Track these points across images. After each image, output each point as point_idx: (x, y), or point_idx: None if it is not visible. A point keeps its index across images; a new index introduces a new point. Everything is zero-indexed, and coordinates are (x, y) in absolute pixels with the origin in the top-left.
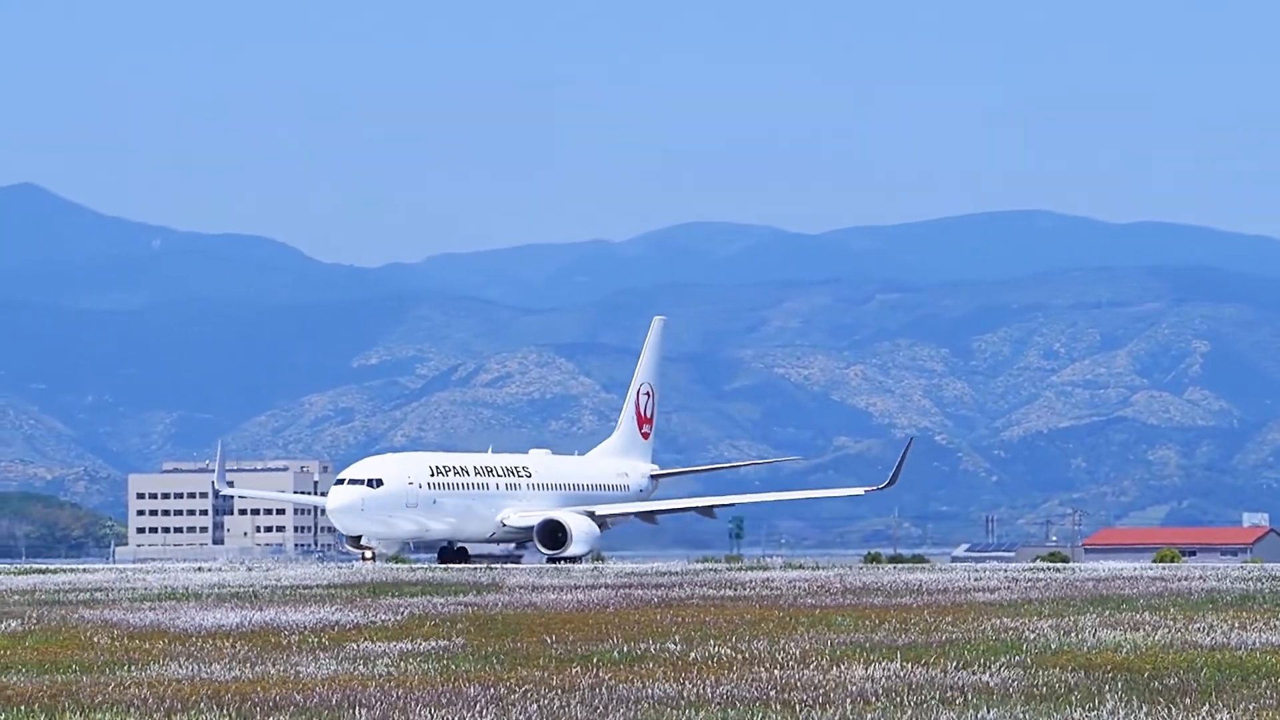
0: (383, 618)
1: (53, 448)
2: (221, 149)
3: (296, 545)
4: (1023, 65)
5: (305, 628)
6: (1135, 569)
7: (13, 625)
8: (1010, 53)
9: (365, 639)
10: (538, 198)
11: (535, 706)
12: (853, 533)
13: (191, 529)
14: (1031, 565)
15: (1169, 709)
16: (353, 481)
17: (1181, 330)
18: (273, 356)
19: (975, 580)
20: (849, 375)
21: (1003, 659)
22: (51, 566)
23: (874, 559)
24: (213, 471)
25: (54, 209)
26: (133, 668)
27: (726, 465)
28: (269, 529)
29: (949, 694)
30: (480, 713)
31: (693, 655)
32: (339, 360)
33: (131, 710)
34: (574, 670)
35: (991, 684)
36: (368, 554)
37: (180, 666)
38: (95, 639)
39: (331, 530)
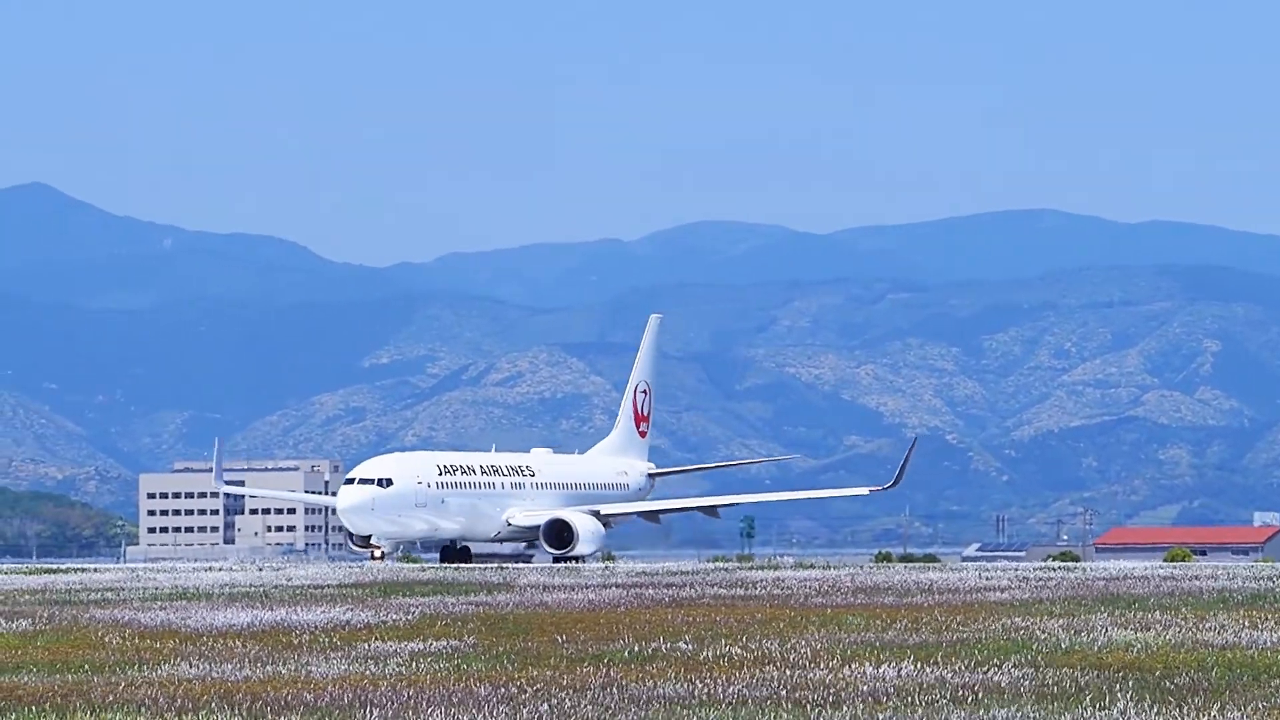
0: (394, 617)
1: (64, 447)
2: (232, 148)
3: (307, 545)
4: (1032, 64)
5: (316, 627)
6: (1146, 568)
7: (24, 625)
8: (1020, 51)
9: (376, 639)
10: (548, 197)
11: (546, 706)
12: (863, 532)
13: (202, 529)
14: (1042, 565)
15: (1180, 709)
16: (363, 481)
17: (1192, 329)
18: (283, 356)
19: (986, 580)
20: (859, 375)
21: (1014, 658)
22: (62, 566)
23: (885, 558)
24: (223, 470)
25: (64, 208)
26: (144, 667)
27: (723, 465)
28: (280, 528)
29: (960, 693)
30: (491, 712)
31: (704, 655)
32: (350, 360)
33: (142, 710)
34: (585, 670)
35: (1002, 683)
36: (377, 553)
37: (191, 666)
38: (106, 639)
39: (341, 530)
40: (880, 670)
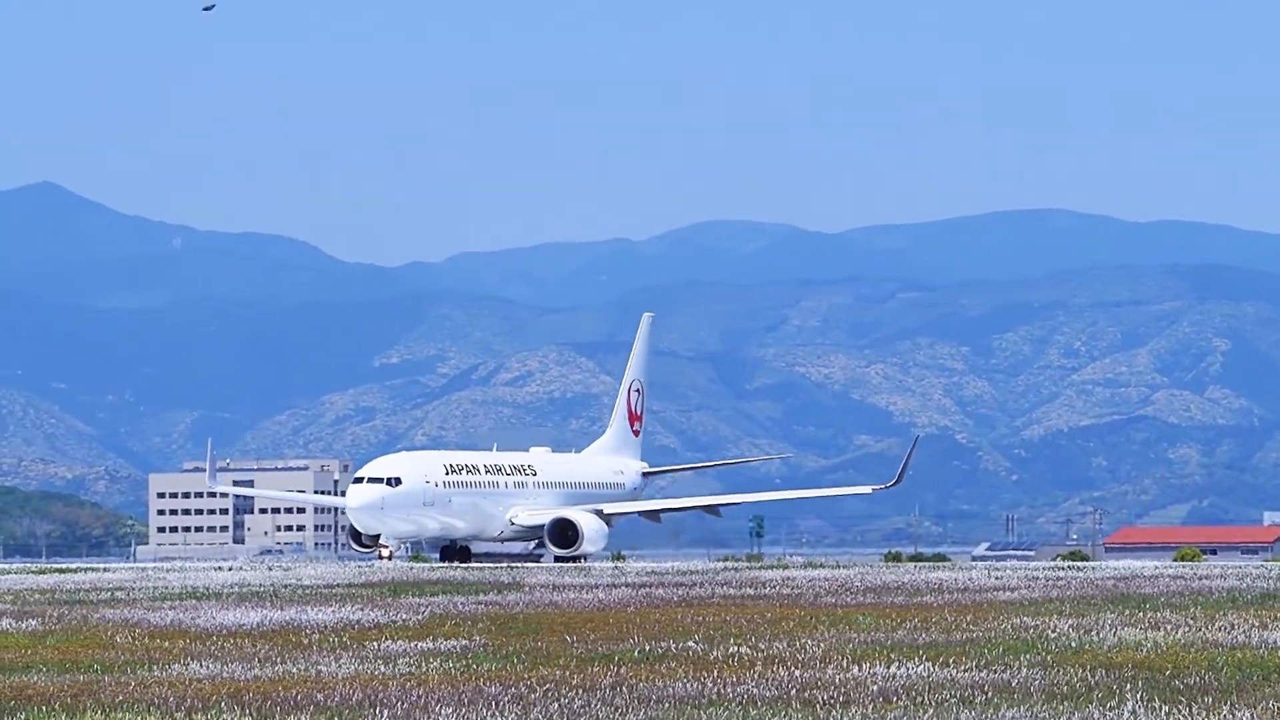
0: (403, 617)
1: (73, 447)
2: (241, 148)
3: (317, 544)
4: (1042, 63)
5: (326, 627)
6: (1156, 568)
7: (34, 624)
8: (1029, 50)
9: (386, 638)
10: (558, 197)
11: (556, 705)
12: (873, 531)
13: (212, 528)
14: (1052, 564)
15: (1190, 708)
16: (372, 480)
17: (1202, 329)
18: (293, 355)
19: (996, 579)
20: (869, 374)
21: (1023, 658)
22: (72, 566)
23: (894, 558)
24: (232, 471)
25: (74, 208)
26: (154, 667)
27: (714, 464)
28: (289, 528)
29: (970, 693)
30: (501, 712)
31: (714, 654)
32: (360, 359)
33: (153, 709)
34: (595, 669)
35: (1012, 683)
36: (385, 552)
37: (201, 666)
38: (116, 638)
39: (347, 529)
40: (890, 670)
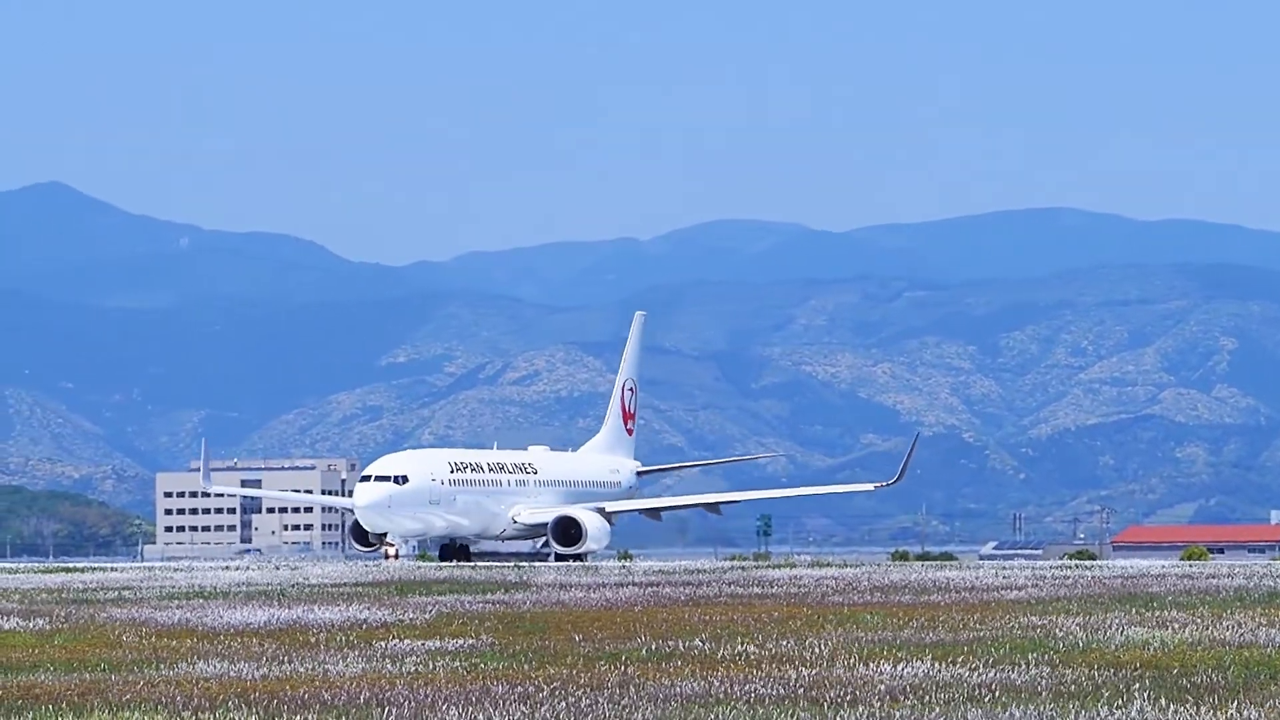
0: (410, 616)
1: (80, 446)
2: (248, 147)
3: (324, 544)
4: (1051, 62)
5: (333, 626)
6: (1163, 567)
7: (41, 624)
8: (1037, 49)
9: (393, 637)
10: (565, 197)
11: (563, 704)
12: (880, 530)
13: (219, 527)
14: (1059, 563)
15: (1197, 707)
16: (379, 478)
17: (1209, 327)
18: (300, 355)
19: (1003, 578)
20: (876, 373)
21: (1031, 657)
22: (79, 565)
23: (901, 557)
24: (239, 470)
25: (81, 207)
26: (161, 666)
27: (707, 463)
28: (296, 527)
29: (977, 692)
30: (509, 711)
31: (721, 653)
32: (367, 358)
33: (160, 709)
34: (602, 668)
35: (1019, 682)
36: (391, 551)
37: (208, 665)
38: (123, 637)
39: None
40: (897, 668)
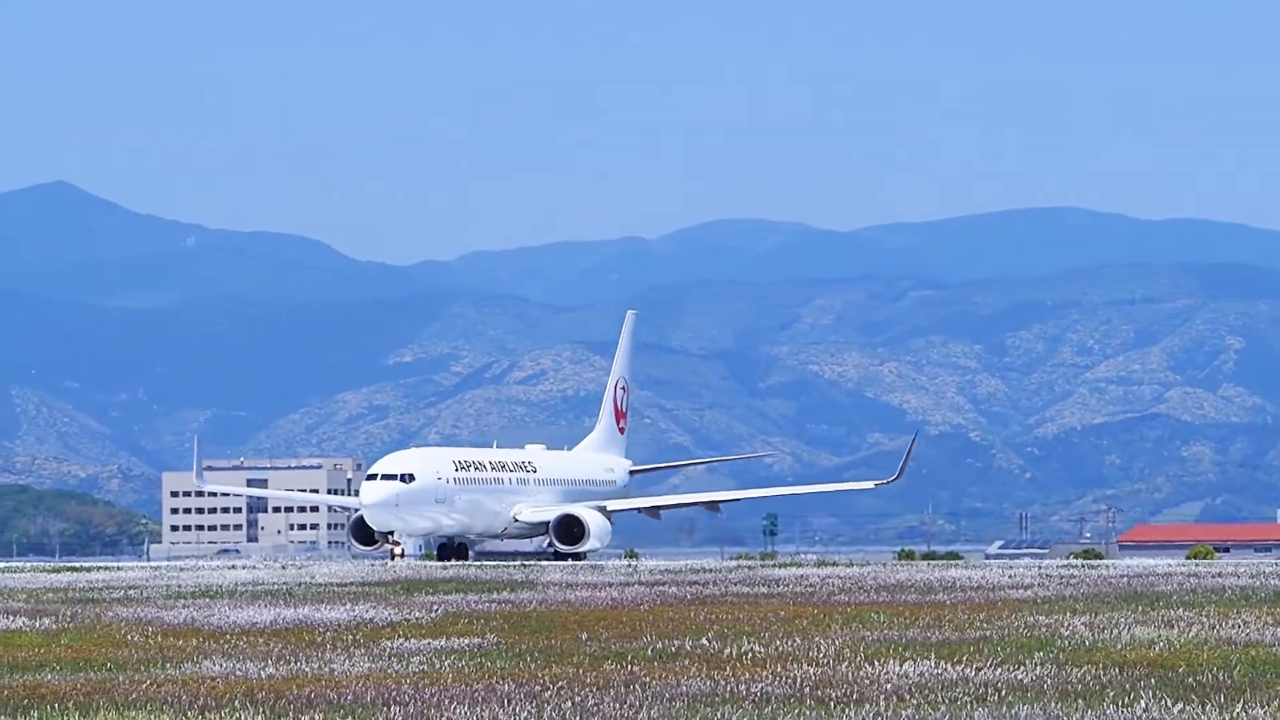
0: (416, 615)
1: (86, 446)
2: (253, 147)
3: (330, 543)
4: (1055, 61)
5: (339, 625)
6: (1169, 566)
7: (47, 623)
8: (1042, 48)
9: (399, 636)
10: (570, 196)
11: (569, 703)
12: (886, 530)
13: (225, 527)
14: (1065, 562)
15: (1203, 706)
16: (385, 476)
17: (1215, 326)
18: (306, 354)
19: (1009, 577)
20: (882, 372)
21: (1037, 656)
22: (85, 564)
23: (907, 556)
24: (246, 469)
25: (86, 207)
26: (167, 665)
27: (699, 461)
28: (303, 526)
29: (983, 691)
30: (515, 710)
31: (726, 652)
32: (373, 358)
33: (166, 708)
34: (608, 667)
35: (1025, 681)
36: (398, 550)
37: (214, 664)
38: (129, 637)
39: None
40: (903, 668)
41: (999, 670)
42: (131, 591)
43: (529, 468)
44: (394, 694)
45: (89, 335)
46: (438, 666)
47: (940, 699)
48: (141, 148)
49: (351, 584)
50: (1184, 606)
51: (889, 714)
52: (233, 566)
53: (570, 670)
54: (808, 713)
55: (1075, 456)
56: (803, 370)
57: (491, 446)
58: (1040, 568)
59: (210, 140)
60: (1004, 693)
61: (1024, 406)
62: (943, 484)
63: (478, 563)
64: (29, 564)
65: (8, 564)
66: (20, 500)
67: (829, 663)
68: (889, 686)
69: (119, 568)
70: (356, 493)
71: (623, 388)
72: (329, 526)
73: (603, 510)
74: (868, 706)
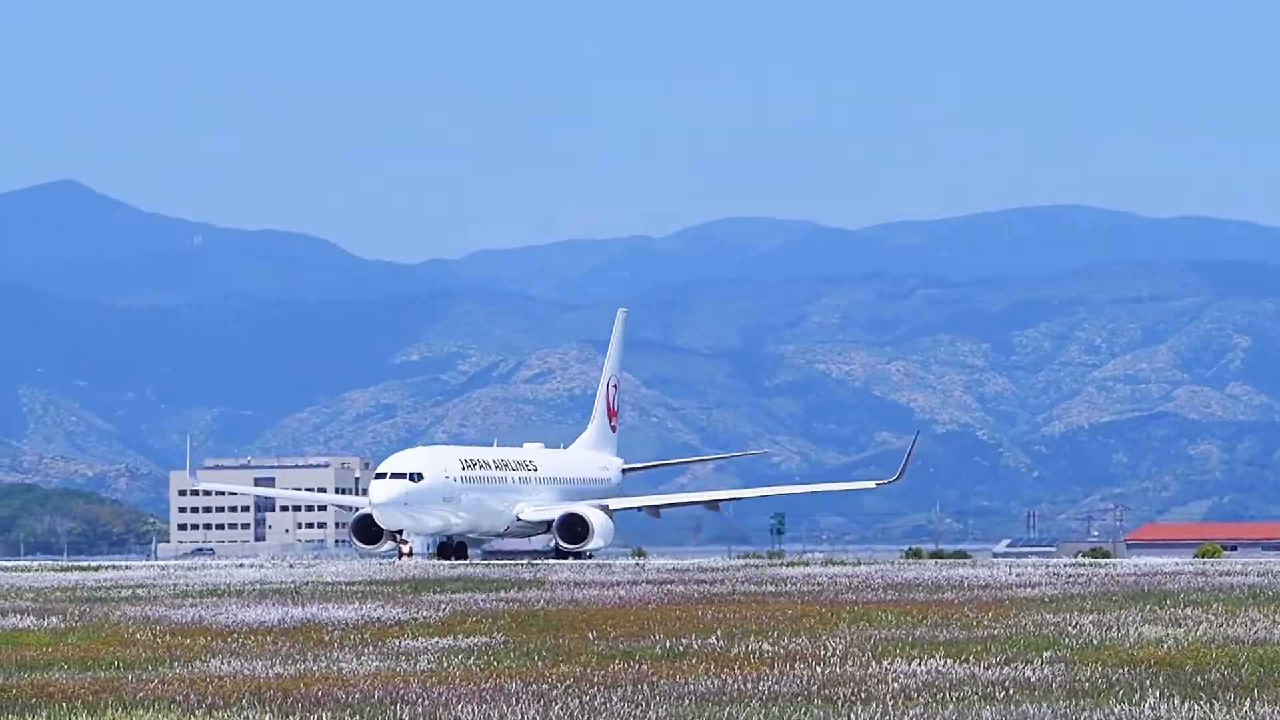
0: (424, 614)
1: (94, 445)
2: (261, 145)
3: (337, 542)
4: (1063, 59)
5: (347, 624)
6: (1177, 564)
7: (55, 622)
8: (1050, 46)
9: (407, 635)
10: (577, 195)
11: (577, 702)
12: (894, 528)
13: (233, 525)
14: (1073, 561)
15: (1211, 704)
16: (394, 475)
17: (1223, 325)
18: (314, 353)
19: (1017, 576)
20: (890, 371)
21: (1044, 654)
22: (93, 563)
23: (915, 555)
24: (252, 467)
25: (94, 206)
26: (174, 664)
27: (689, 460)
28: (310, 525)
29: (991, 689)
30: (522, 709)
31: (734, 651)
32: (380, 356)
33: (173, 707)
34: (616, 666)
35: (1033, 680)
36: (405, 549)
37: (222, 663)
38: (137, 636)
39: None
40: (911, 666)
41: (1006, 669)
42: (139, 590)
43: (530, 466)
44: (402, 693)
45: (96, 334)
46: (446, 665)
47: (948, 697)
48: (149, 146)
49: (359, 583)
50: (1192, 605)
51: (896, 712)
52: (239, 565)
53: (578, 669)
54: (815, 711)
55: (1082, 455)
56: (809, 369)
57: (492, 445)
58: (1048, 566)
59: (218, 139)
60: (1011, 691)
61: (1031, 405)
62: (950, 483)
63: (485, 562)
64: (36, 563)
65: (15, 563)
66: (27, 499)
67: (837, 661)
68: (896, 685)
69: (126, 566)
70: (364, 491)
71: (614, 386)
72: (337, 525)
73: (605, 509)
74: (875, 705)
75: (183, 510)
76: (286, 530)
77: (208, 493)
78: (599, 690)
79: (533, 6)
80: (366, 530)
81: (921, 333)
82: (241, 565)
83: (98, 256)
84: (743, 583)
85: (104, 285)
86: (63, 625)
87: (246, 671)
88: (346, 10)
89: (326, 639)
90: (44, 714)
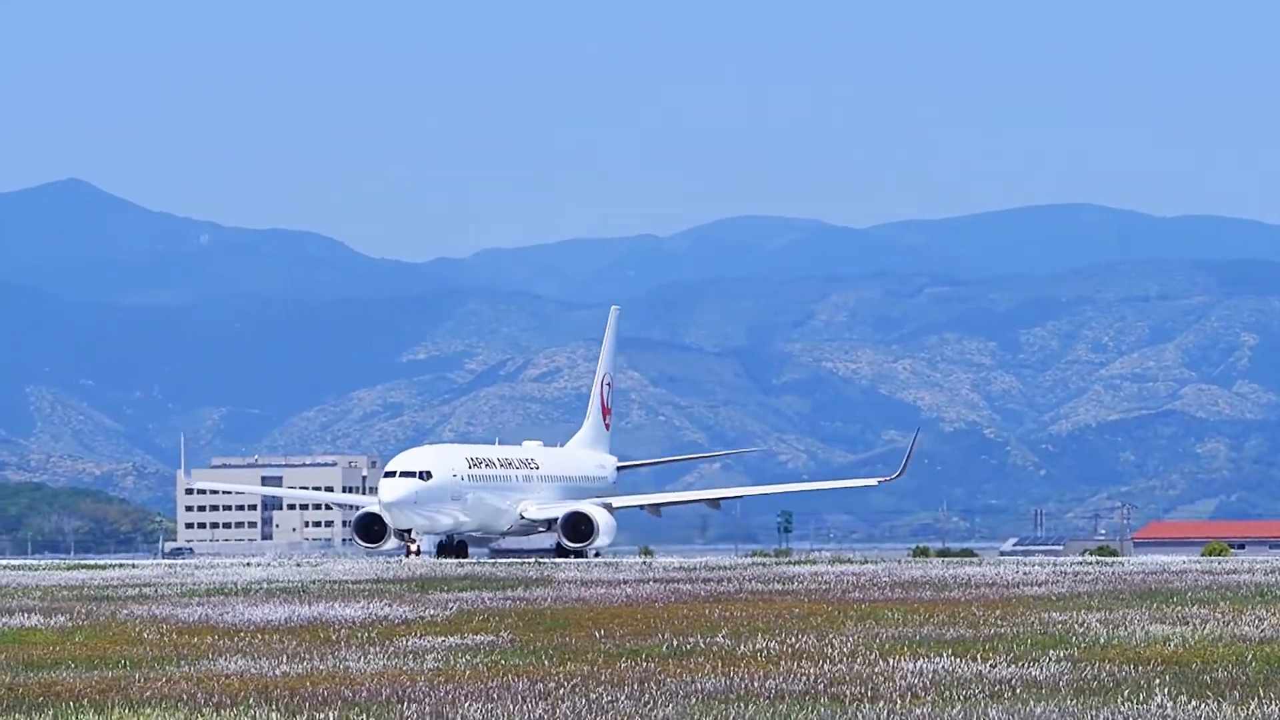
0: (431, 613)
1: (101, 443)
2: (267, 144)
3: (344, 540)
4: (1068, 59)
5: (354, 622)
6: (1184, 562)
7: (62, 620)
8: (1057, 44)
9: (414, 634)
10: (584, 194)
11: (584, 701)
12: (901, 527)
13: (240, 524)
14: (1080, 559)
15: (1218, 703)
16: (404, 474)
17: (1230, 323)
18: (321, 351)
19: (1023, 574)
20: (897, 369)
21: (1051, 653)
22: (100, 562)
23: (922, 553)
24: (261, 467)
25: (101, 205)
26: (181, 663)
27: (685, 458)
28: (318, 524)
29: (997, 688)
30: (529, 707)
31: (741, 649)
32: (387, 355)
33: (180, 705)
34: (623, 665)
35: (1040, 678)
36: (414, 547)
37: (229, 661)
38: (144, 634)
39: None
40: (918, 664)
41: (1013, 667)
42: (146, 589)
43: (532, 465)
44: (409, 691)
45: (103, 333)
46: (453, 664)
47: (955, 696)
48: (155, 145)
49: (366, 581)
50: (1199, 603)
51: (903, 711)
52: (246, 564)
53: (585, 668)
54: (823, 710)
55: (1090, 453)
56: (817, 367)
57: (494, 443)
58: (1055, 565)
59: (224, 138)
60: (1018, 689)
61: (1038, 403)
62: (957, 481)
63: (491, 560)
64: (43, 562)
65: (22, 561)
66: (35, 498)
67: (843, 660)
68: (903, 683)
69: (134, 565)
70: (372, 490)
71: (608, 383)
72: (344, 524)
73: (608, 507)
74: (882, 703)
75: (189, 509)
76: (294, 529)
77: (214, 492)
78: (605, 689)
79: (540, 7)
80: (369, 529)
81: (929, 331)
82: (248, 564)
83: (104, 256)
84: (749, 581)
85: (111, 284)
86: (70, 624)
87: (253, 670)
88: (353, 9)
89: (333, 638)
90: (51, 713)
